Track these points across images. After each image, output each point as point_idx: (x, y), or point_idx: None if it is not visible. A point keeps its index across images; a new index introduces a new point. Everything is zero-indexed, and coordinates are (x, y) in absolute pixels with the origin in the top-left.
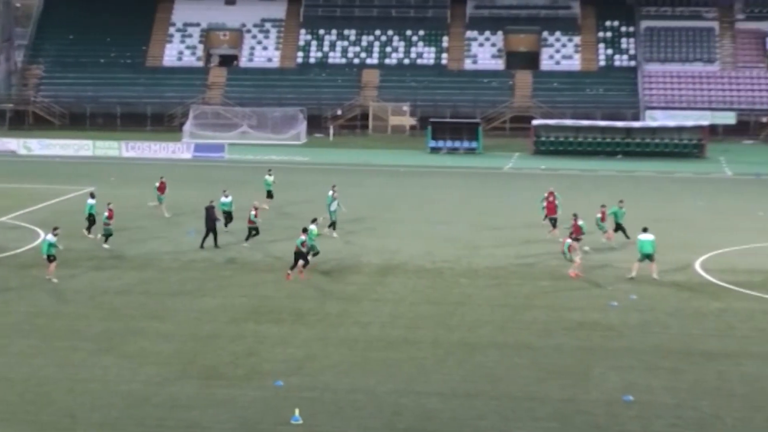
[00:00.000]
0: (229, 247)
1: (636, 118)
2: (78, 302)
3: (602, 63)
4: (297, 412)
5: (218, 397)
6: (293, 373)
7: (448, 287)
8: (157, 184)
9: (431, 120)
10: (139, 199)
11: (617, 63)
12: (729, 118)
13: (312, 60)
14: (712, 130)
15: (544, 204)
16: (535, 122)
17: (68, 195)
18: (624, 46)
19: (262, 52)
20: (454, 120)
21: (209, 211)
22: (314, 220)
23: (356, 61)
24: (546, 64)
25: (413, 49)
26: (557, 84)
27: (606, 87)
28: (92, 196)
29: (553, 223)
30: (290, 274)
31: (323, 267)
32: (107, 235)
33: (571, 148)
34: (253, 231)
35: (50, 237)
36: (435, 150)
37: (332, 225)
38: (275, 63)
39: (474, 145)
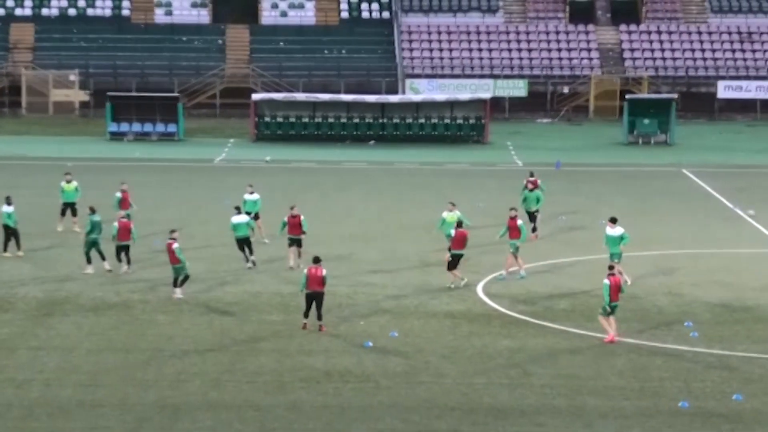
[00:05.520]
0: None
1: (393, 90)
2: None
3: (345, 14)
4: None
5: None
6: None
7: (140, 327)
8: (120, 195)
9: (110, 94)
10: None
11: (366, 14)
12: (518, 89)
13: None
14: (496, 105)
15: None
16: (255, 96)
17: None
18: None
19: None
20: (144, 94)
21: None
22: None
23: (1, 11)
24: (268, 16)
25: None
26: (284, 44)
27: (351, 48)
28: (8, 202)
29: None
30: None
31: None
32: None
33: (306, 131)
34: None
35: None
36: (117, 136)
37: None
38: None
39: (172, 128)
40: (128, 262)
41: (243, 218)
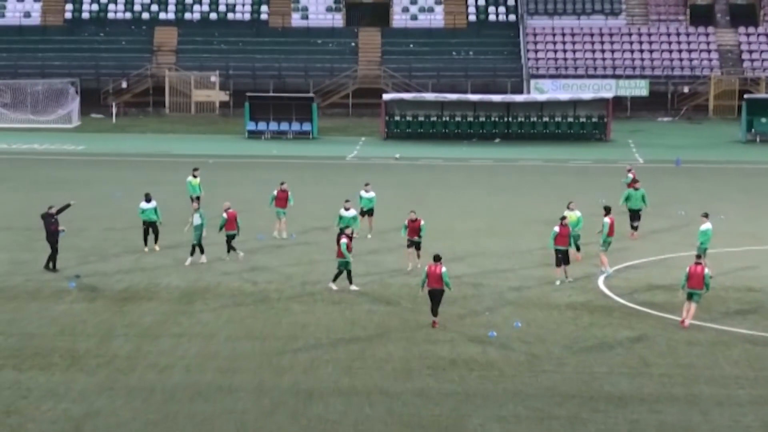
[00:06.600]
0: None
1: (518, 89)
2: None
3: (473, 18)
4: None
5: None
6: None
7: (276, 316)
8: (276, 193)
9: (249, 95)
10: None
11: (492, 18)
12: (640, 89)
13: (86, 15)
14: (618, 104)
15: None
16: (386, 97)
17: None
18: None
19: (17, 6)
20: (280, 95)
21: (46, 221)
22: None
23: (146, 15)
24: (399, 19)
25: None
26: (414, 46)
27: (478, 49)
28: (147, 199)
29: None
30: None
31: (107, 292)
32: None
33: (433, 130)
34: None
35: None
36: (255, 134)
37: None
38: (35, 19)
39: (307, 127)
40: (228, 250)
41: (353, 213)
